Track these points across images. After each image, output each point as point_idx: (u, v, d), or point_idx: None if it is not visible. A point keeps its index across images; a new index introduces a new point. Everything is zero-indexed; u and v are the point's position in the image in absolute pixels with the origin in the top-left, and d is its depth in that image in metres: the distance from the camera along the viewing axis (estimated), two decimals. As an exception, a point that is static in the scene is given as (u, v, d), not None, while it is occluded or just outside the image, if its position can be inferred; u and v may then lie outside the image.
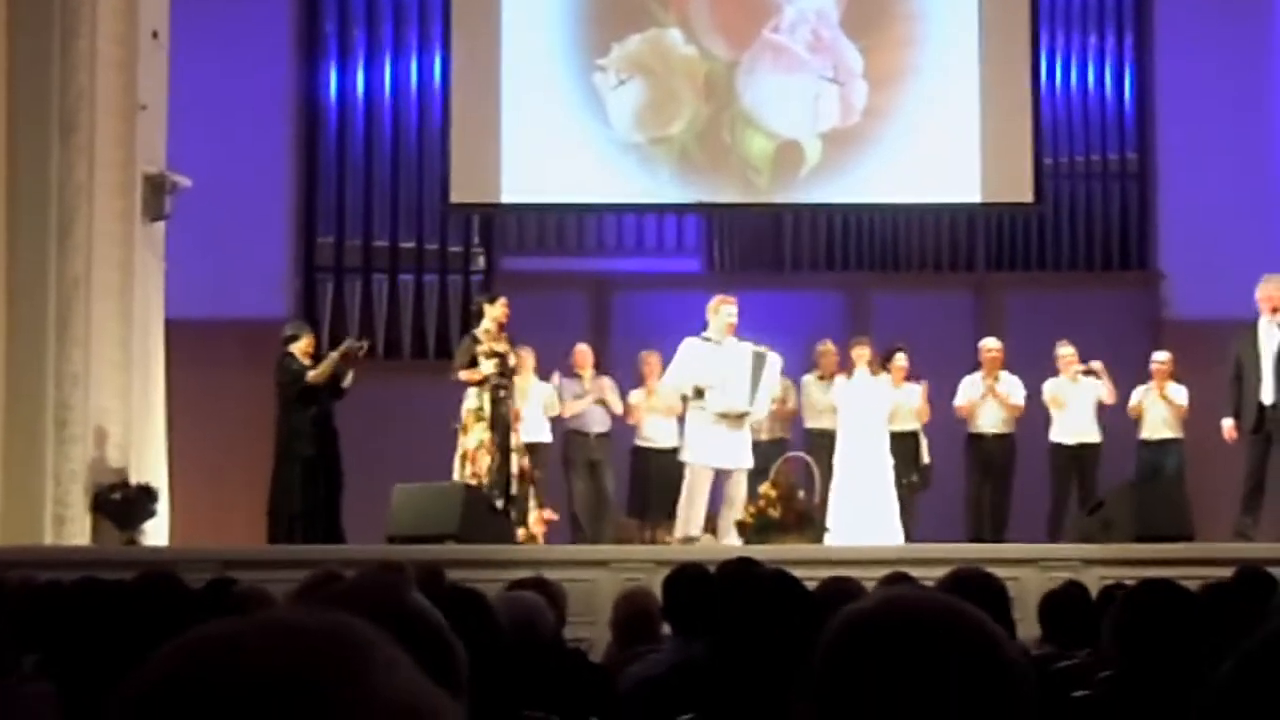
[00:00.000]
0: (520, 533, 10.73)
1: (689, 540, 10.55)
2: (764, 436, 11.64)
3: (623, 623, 5.33)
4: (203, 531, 12.30)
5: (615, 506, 12.46)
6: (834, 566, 7.01)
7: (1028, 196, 14.48)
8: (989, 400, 12.08)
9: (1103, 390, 12.01)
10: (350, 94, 15.02)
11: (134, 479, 10.95)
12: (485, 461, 10.83)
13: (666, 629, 5.07)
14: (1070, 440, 12.05)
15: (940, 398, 12.07)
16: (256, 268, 14.40)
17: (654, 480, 12.12)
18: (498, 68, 14.47)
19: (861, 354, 11.89)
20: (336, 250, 14.88)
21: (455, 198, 14.53)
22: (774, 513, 10.36)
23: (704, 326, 10.92)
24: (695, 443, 10.80)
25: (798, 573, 3.79)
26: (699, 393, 10.71)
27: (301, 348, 11.47)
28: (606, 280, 14.76)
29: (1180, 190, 14.68)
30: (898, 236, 15.00)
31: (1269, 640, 1.31)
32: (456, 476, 10.83)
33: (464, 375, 10.97)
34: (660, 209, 14.89)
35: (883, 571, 5.74)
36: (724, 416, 10.69)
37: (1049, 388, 12.08)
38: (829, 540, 10.77)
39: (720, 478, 10.72)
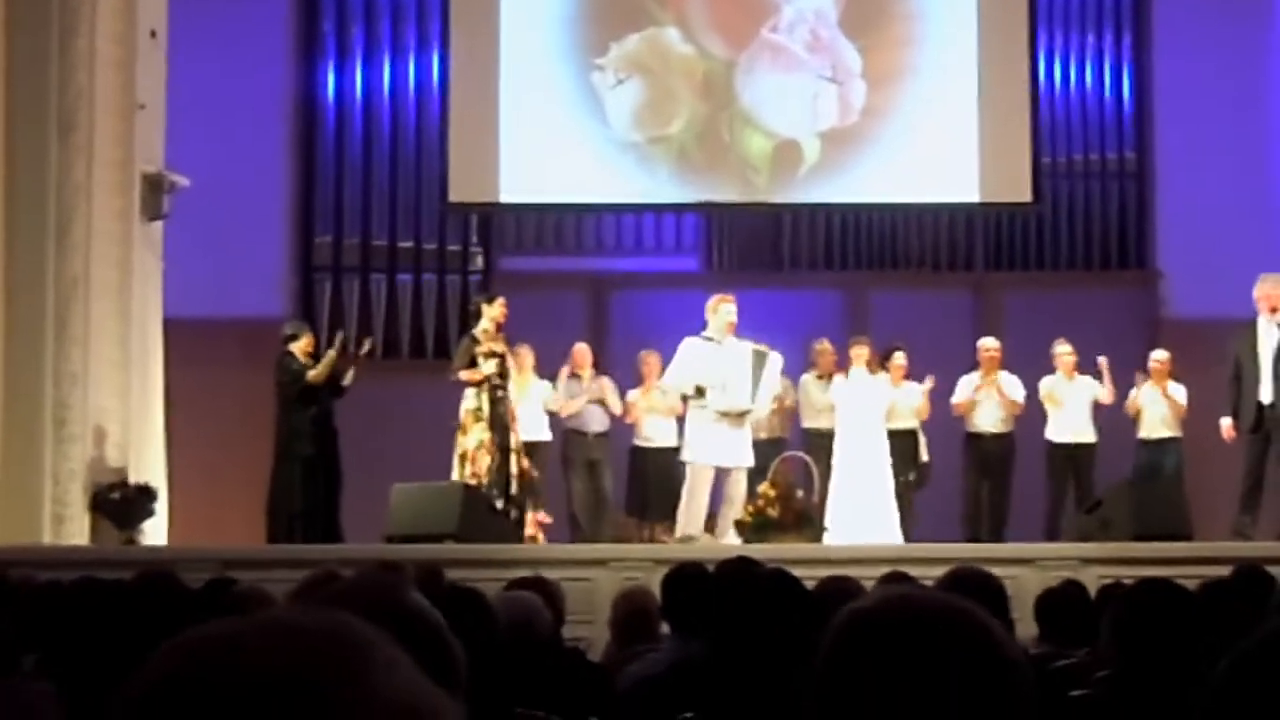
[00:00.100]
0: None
1: (687, 539, 10.55)
2: (763, 435, 11.64)
3: (621, 622, 5.33)
4: (201, 531, 12.30)
5: (614, 506, 12.46)
6: (832, 566, 7.01)
7: (1026, 196, 14.49)
8: (987, 399, 12.09)
9: (1101, 390, 12.02)
10: (348, 93, 15.02)
11: (133, 478, 10.95)
12: (485, 461, 10.84)
13: (665, 628, 5.07)
14: (1066, 439, 12.06)
15: (939, 397, 12.08)
16: (255, 267, 14.40)
17: (652, 480, 12.13)
18: (496, 67, 14.47)
19: (860, 353, 11.90)
20: (335, 249, 14.88)
21: (454, 197, 14.53)
22: (772, 512, 10.37)
23: (703, 326, 10.92)
24: (696, 442, 10.80)
25: (796, 572, 3.79)
26: (700, 392, 10.71)
27: (301, 347, 11.47)
28: (605, 280, 14.75)
29: (1178, 190, 14.69)
30: (896, 236, 15.01)
31: (1267, 639, 1.31)
32: (455, 476, 10.83)
33: (464, 375, 10.97)
34: (659, 208, 14.89)
35: (881, 570, 5.75)
36: (725, 415, 10.69)
37: (1045, 385, 12.09)
38: (827, 539, 10.77)
39: (720, 476, 10.72)
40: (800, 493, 10.76)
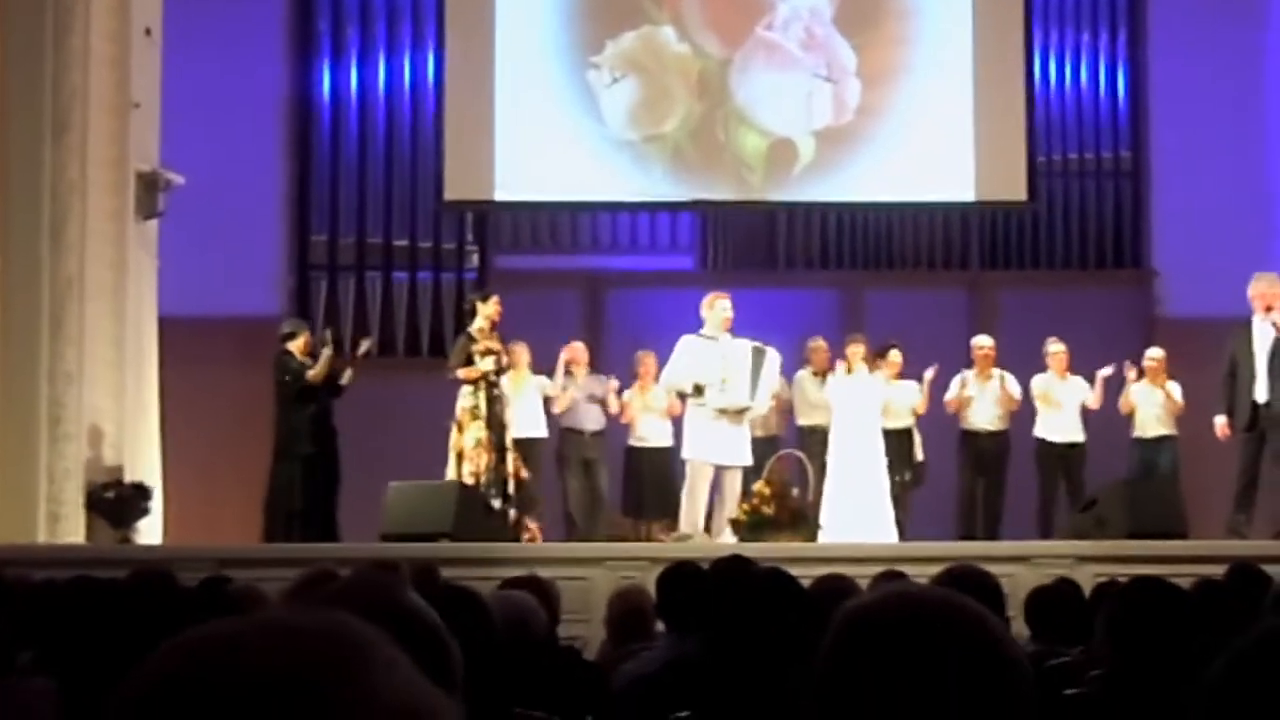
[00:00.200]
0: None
1: (683, 538, 10.55)
2: (758, 433, 11.64)
3: (616, 620, 5.33)
4: (196, 529, 12.30)
5: (609, 505, 12.46)
6: (828, 564, 7.01)
7: (1021, 195, 14.49)
8: (982, 397, 12.09)
9: (1089, 395, 12.02)
10: (344, 92, 15.01)
11: (128, 477, 10.94)
12: (483, 460, 10.83)
13: (660, 626, 5.07)
14: (1057, 438, 12.06)
15: (938, 391, 12.10)
16: (250, 266, 14.38)
17: (648, 479, 12.14)
18: (491, 65, 14.46)
19: (856, 351, 11.90)
20: (330, 248, 14.87)
21: (449, 195, 14.52)
22: (768, 510, 10.36)
23: (698, 324, 10.92)
24: (695, 439, 10.80)
25: (792, 570, 3.79)
26: (698, 390, 10.70)
27: (299, 346, 11.47)
28: (600, 278, 14.75)
29: (1174, 188, 14.70)
30: (891, 234, 15.01)
31: (1262, 638, 1.31)
32: (451, 475, 10.82)
33: (462, 373, 10.97)
34: (654, 207, 14.89)
35: (876, 569, 5.75)
36: (724, 412, 10.69)
37: (1038, 384, 12.09)
38: (823, 537, 10.77)
39: (716, 474, 10.72)
40: (795, 491, 10.76)
